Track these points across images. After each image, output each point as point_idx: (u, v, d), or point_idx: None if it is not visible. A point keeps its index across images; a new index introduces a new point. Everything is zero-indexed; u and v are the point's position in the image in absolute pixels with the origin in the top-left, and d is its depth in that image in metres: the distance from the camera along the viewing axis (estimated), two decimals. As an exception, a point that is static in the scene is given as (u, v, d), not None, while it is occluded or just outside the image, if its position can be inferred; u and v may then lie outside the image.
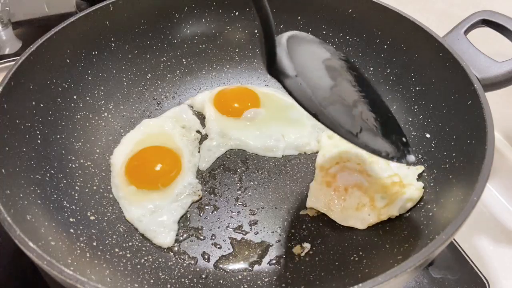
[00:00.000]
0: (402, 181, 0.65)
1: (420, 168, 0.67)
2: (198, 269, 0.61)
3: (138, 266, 0.59)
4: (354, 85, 0.52)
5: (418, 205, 0.64)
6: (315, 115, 0.46)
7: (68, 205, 0.62)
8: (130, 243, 0.62)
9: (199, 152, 0.75)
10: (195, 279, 0.59)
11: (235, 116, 0.79)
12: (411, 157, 0.52)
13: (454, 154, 0.62)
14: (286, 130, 0.77)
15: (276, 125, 0.77)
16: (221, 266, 0.61)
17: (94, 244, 0.59)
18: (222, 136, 0.76)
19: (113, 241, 0.62)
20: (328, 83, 0.49)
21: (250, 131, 0.77)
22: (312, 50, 0.50)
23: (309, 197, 0.68)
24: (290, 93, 0.46)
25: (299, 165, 0.74)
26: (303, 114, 0.78)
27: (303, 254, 0.63)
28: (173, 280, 0.59)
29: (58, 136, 0.67)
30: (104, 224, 0.64)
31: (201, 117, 0.81)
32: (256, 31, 0.86)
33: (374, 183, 0.66)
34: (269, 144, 0.75)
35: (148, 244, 0.63)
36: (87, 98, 0.74)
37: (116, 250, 0.61)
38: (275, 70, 0.46)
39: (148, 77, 0.82)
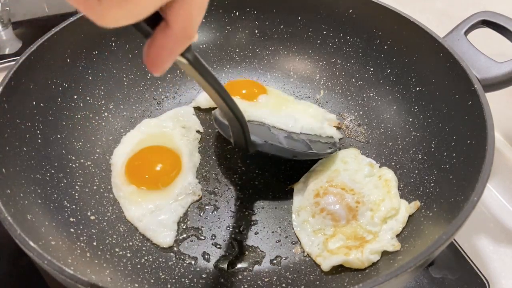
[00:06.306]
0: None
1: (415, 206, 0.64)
2: (198, 269, 0.61)
3: (138, 266, 0.59)
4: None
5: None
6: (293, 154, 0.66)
7: (68, 205, 0.62)
8: (130, 243, 0.62)
9: (199, 152, 0.75)
10: (195, 279, 0.59)
11: (248, 100, 0.78)
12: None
13: (454, 154, 0.62)
14: (299, 114, 0.77)
15: (289, 109, 0.78)
16: (221, 266, 0.61)
17: (94, 243, 0.59)
18: None
19: (113, 241, 0.62)
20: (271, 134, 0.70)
21: (265, 111, 0.76)
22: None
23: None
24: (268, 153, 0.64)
25: (299, 164, 0.74)
26: (310, 106, 0.80)
27: (303, 254, 0.63)
28: (173, 280, 0.59)
29: (58, 136, 0.67)
30: (104, 223, 0.64)
31: (202, 117, 0.81)
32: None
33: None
34: (287, 121, 0.74)
35: (148, 244, 0.63)
36: (87, 98, 0.74)
37: (116, 249, 0.61)
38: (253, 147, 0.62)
39: (148, 77, 0.82)
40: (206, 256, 0.62)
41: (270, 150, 0.64)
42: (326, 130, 0.76)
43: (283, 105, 0.79)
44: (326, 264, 0.59)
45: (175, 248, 0.63)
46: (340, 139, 0.77)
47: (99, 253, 0.58)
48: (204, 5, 0.33)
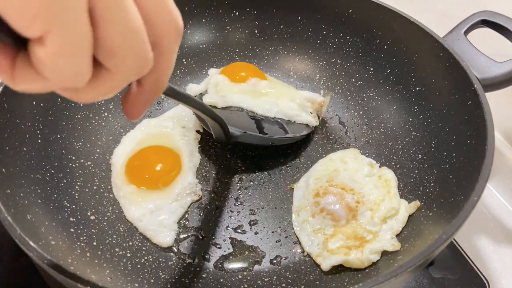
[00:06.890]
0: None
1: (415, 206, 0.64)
2: (198, 269, 0.61)
3: (138, 266, 0.59)
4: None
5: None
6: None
7: (68, 205, 0.62)
8: (130, 243, 0.62)
9: (199, 152, 0.75)
10: (195, 279, 0.59)
11: (240, 82, 0.79)
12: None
13: (454, 154, 0.62)
14: (280, 101, 0.78)
15: (274, 95, 0.79)
16: (221, 266, 0.61)
17: (94, 243, 0.59)
18: (221, 96, 0.77)
19: (113, 241, 0.62)
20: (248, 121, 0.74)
21: (248, 96, 0.78)
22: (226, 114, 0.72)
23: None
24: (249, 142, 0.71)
25: (299, 164, 0.74)
26: (301, 95, 0.80)
27: (303, 254, 0.63)
28: (173, 280, 0.59)
29: (58, 136, 0.67)
30: (104, 223, 0.64)
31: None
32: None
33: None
34: (264, 105, 0.77)
35: (148, 243, 0.63)
36: (87, 98, 0.74)
37: (116, 249, 0.61)
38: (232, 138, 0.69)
39: (148, 77, 0.82)
40: (206, 256, 0.62)
41: (248, 140, 0.70)
42: (302, 118, 0.77)
43: (273, 90, 0.79)
44: (326, 264, 0.59)
45: (175, 248, 0.63)
46: (314, 126, 0.78)
47: (99, 253, 0.58)
48: (173, 61, 0.34)
